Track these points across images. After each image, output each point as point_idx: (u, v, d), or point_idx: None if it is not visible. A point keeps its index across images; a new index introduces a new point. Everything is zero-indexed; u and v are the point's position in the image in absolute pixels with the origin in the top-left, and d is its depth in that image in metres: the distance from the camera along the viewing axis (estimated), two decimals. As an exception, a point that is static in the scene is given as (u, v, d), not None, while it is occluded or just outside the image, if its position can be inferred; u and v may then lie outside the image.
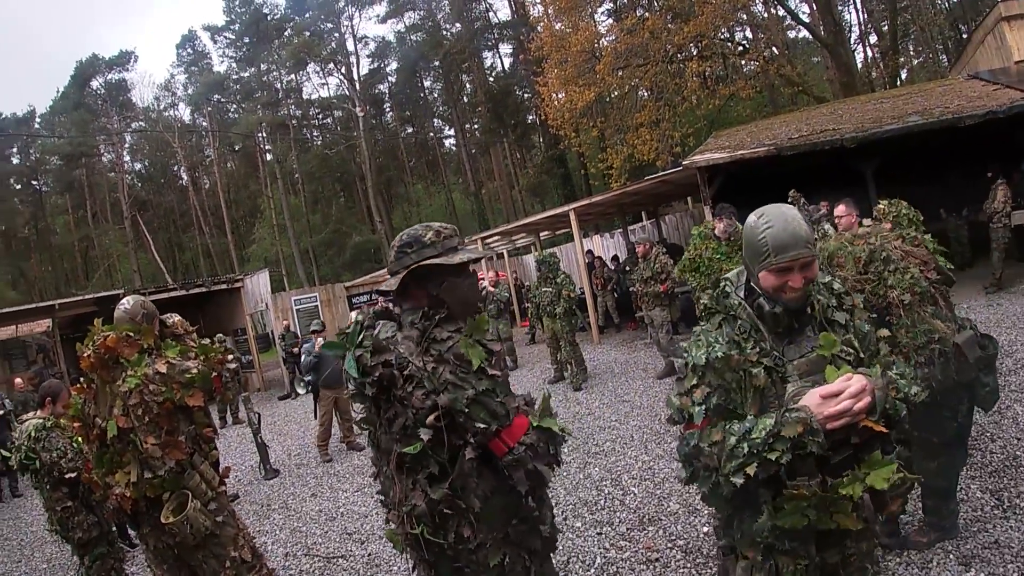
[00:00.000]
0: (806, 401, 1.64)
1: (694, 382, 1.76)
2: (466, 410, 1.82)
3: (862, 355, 1.80)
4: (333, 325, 17.77)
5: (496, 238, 17.69)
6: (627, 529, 4.15)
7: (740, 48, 20.91)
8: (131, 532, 5.65)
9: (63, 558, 6.59)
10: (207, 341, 3.49)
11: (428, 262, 1.99)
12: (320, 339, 8.73)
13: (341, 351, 2.00)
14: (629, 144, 20.04)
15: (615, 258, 16.56)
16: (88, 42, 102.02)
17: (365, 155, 37.48)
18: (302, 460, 8.49)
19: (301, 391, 12.82)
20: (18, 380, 12.31)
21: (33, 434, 4.43)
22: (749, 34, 22.88)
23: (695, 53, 19.91)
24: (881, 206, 4.18)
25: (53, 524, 4.51)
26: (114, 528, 4.73)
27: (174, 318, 3.52)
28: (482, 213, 38.52)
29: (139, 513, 3.10)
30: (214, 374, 3.24)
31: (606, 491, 4.84)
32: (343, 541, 5.28)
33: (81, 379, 3.25)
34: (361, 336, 1.98)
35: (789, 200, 7.35)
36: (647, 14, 20.62)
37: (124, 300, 3.40)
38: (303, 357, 9.13)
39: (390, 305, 2.13)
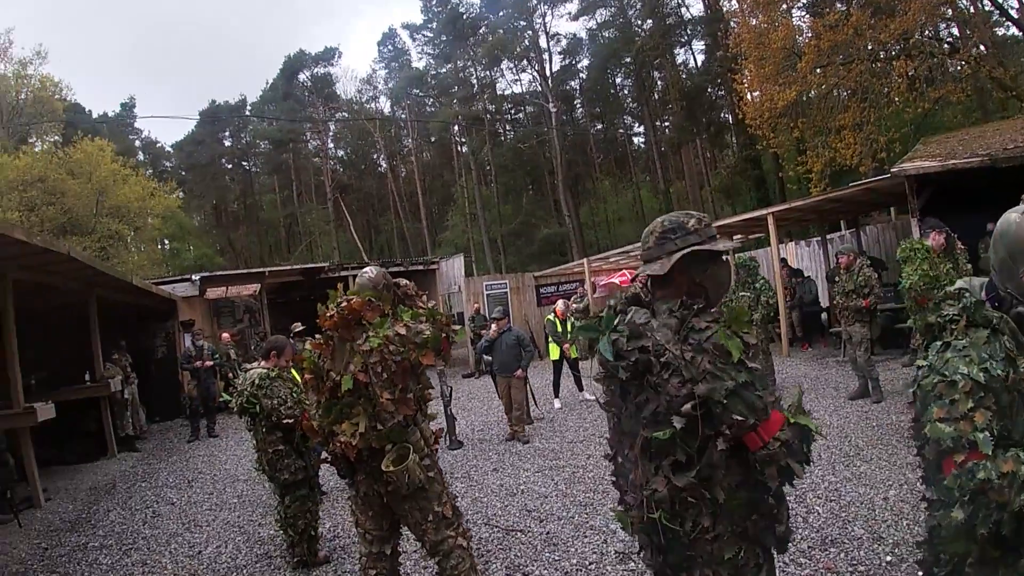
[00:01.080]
0: None
1: (970, 405, 1.59)
2: (724, 401, 1.83)
3: None
4: (520, 312, 19.04)
5: None
6: (808, 547, 4.19)
7: (947, 47, 19.48)
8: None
9: (252, 495, 7.38)
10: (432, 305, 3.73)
11: (698, 248, 2.05)
12: (493, 326, 9.33)
13: (595, 334, 2.07)
14: (831, 147, 19.22)
15: (794, 269, 15.84)
16: (296, 39, 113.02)
17: (556, 150, 38.54)
18: (484, 436, 9.11)
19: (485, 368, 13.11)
20: (225, 335, 13.85)
21: (257, 381, 4.86)
22: (956, 31, 21.09)
23: (901, 52, 18.75)
24: None
25: (262, 464, 4.94)
26: (316, 473, 5.13)
27: (404, 281, 3.79)
28: (670, 212, 38.30)
29: (359, 461, 3.35)
30: (443, 335, 3.50)
31: (790, 507, 5.19)
32: (522, 516, 5.50)
33: (317, 336, 3.54)
34: (616, 320, 2.05)
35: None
36: (850, 9, 19.66)
37: (367, 269, 3.68)
38: (481, 341, 9.75)
39: (640, 290, 2.15)
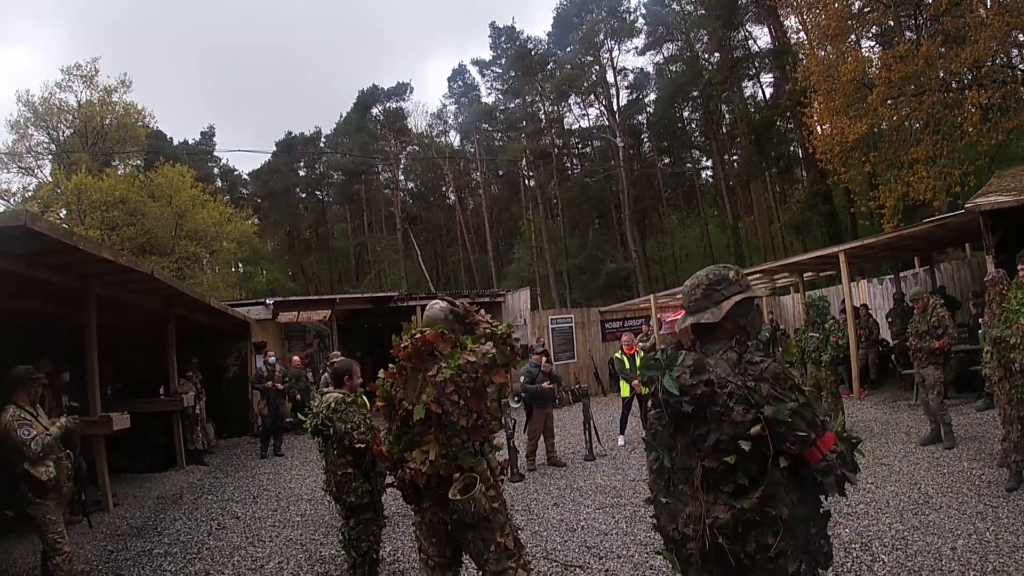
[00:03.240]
0: None
1: None
2: (788, 420, 2.04)
3: None
4: (585, 347, 19.05)
5: (758, 275, 17.17)
6: None
7: (1020, 74, 18.73)
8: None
9: (315, 515, 7.52)
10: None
11: (744, 295, 2.36)
12: (535, 357, 9.81)
13: (659, 371, 2.29)
14: (904, 181, 18.65)
15: (864, 306, 15.60)
16: (371, 74, 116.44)
17: (623, 184, 38.39)
18: (544, 471, 9.10)
19: (515, 404, 12.83)
20: (295, 358, 14.03)
21: (333, 405, 4.96)
22: None
23: (972, 81, 18.07)
24: None
25: (330, 485, 5.01)
26: (381, 498, 5.18)
27: (462, 301, 3.85)
28: (739, 248, 37.91)
29: (427, 488, 3.40)
30: (507, 348, 3.54)
31: (854, 554, 4.76)
32: (581, 552, 5.46)
33: (391, 365, 3.64)
34: (680, 358, 2.28)
35: None
36: (920, 39, 19.15)
37: (436, 302, 3.77)
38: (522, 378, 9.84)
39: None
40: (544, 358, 9.99)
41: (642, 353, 10.73)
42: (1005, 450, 6.32)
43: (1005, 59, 18.70)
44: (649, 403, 2.46)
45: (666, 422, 2.31)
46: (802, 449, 2.05)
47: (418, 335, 3.48)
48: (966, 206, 10.69)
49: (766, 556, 2.06)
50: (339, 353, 11.27)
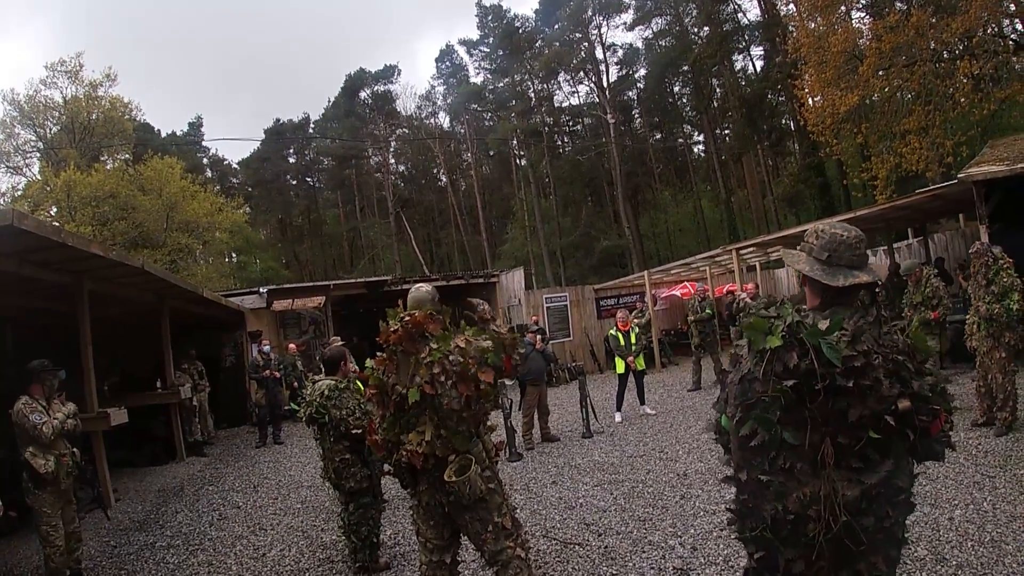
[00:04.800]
0: None
1: None
2: (929, 394, 2.06)
3: None
4: (580, 325, 19.10)
5: (752, 249, 17.05)
6: None
7: (1012, 44, 18.65)
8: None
9: (316, 501, 7.54)
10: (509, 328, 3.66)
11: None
12: (528, 335, 9.82)
13: (818, 339, 2.04)
14: (896, 152, 18.67)
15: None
16: (357, 58, 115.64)
17: (614, 161, 38.28)
18: (542, 449, 9.12)
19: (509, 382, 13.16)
20: (291, 346, 14.23)
21: (326, 392, 4.95)
22: (1020, 27, 20.10)
23: (964, 51, 18.09)
24: None
25: (328, 472, 5.03)
26: (380, 482, 5.19)
27: (484, 305, 3.85)
28: (732, 222, 37.90)
29: (423, 471, 3.41)
30: (505, 355, 3.49)
31: None
32: (580, 530, 5.47)
33: (380, 352, 3.60)
34: (831, 324, 2.08)
35: None
36: (911, 9, 18.98)
37: (421, 285, 3.79)
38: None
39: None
40: (539, 336, 10.04)
41: (636, 330, 10.75)
42: (988, 407, 6.93)
43: (996, 29, 18.60)
44: (751, 368, 2.17)
45: (803, 395, 2.04)
46: (931, 421, 2.07)
47: (408, 318, 3.46)
48: (959, 176, 10.67)
49: (881, 527, 2.07)
50: (339, 338, 11.31)
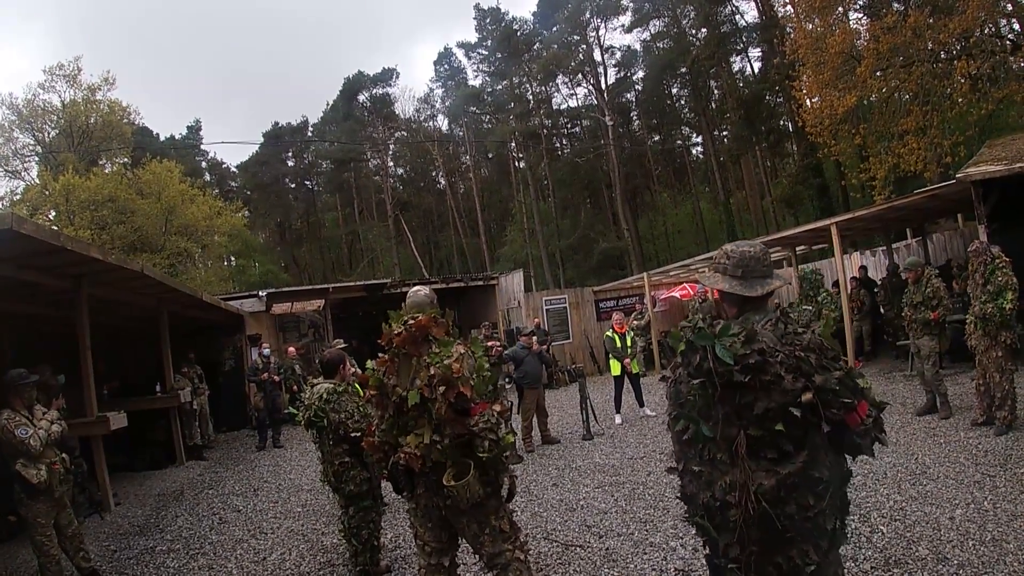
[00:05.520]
0: None
1: None
2: (836, 388, 2.19)
3: None
4: (580, 328, 19.13)
5: None
6: (871, 567, 4.11)
7: (1009, 44, 18.60)
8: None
9: (316, 505, 7.54)
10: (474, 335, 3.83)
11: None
12: (523, 339, 9.89)
13: (711, 341, 2.30)
14: (894, 153, 18.57)
15: (863, 268, 15.66)
16: (356, 61, 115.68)
17: (613, 163, 38.26)
18: (543, 451, 9.10)
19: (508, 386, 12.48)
20: (291, 349, 14.17)
21: (325, 396, 4.91)
22: (1017, 27, 20.03)
23: (961, 51, 17.93)
24: None
25: (328, 475, 4.99)
26: (379, 485, 5.13)
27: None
28: (731, 224, 37.82)
29: (422, 474, 3.38)
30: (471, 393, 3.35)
31: (853, 525, 4.65)
32: (581, 532, 5.47)
33: (381, 354, 3.59)
34: (732, 328, 2.32)
35: None
36: (908, 9, 18.96)
37: (419, 289, 3.81)
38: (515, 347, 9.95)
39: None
40: (534, 338, 10.02)
41: (632, 332, 10.74)
42: (988, 406, 7.03)
43: (993, 29, 18.56)
44: (680, 372, 2.50)
45: (709, 392, 2.31)
46: (845, 415, 2.20)
47: (411, 321, 3.46)
48: (957, 176, 10.65)
49: (805, 516, 2.20)
50: (341, 340, 11.29)
